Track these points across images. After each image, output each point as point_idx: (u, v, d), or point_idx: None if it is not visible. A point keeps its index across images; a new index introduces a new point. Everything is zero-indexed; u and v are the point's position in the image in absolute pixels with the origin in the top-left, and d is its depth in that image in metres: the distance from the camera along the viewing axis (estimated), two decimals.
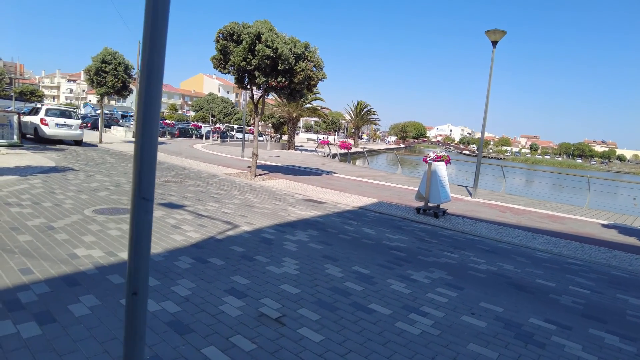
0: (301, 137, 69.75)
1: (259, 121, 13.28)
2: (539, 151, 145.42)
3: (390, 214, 8.97)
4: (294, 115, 38.93)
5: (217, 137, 31.93)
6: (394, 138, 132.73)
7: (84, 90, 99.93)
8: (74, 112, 19.87)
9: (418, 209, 9.56)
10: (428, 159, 17.71)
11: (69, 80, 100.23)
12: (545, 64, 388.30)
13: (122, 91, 20.24)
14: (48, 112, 17.61)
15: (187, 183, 10.37)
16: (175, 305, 3.51)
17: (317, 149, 34.32)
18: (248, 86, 13.13)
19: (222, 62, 12.34)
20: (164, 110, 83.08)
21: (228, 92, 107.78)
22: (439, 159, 17.44)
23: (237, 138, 38.48)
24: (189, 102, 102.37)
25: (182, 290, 3.82)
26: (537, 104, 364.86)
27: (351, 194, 11.20)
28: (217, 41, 12.07)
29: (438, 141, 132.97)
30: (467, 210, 10.53)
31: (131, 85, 20.80)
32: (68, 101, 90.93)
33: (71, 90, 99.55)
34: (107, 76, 19.38)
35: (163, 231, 5.71)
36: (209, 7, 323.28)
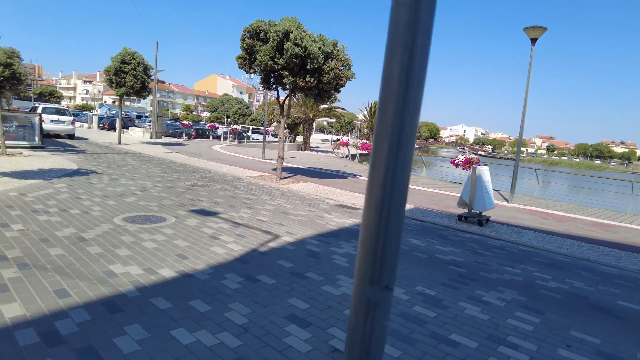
0: (314, 138, 69.21)
1: (284, 122, 12.81)
2: (555, 152, 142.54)
3: (432, 222, 8.41)
4: (311, 115, 38.49)
5: (234, 138, 31.60)
6: None
7: (99, 91, 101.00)
8: (67, 110, 22.75)
9: (460, 216, 8.97)
10: (457, 160, 17.15)
11: (85, 82, 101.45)
12: (561, 63, 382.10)
13: (141, 92, 19.99)
14: (45, 110, 19.90)
15: (214, 187, 9.94)
16: (235, 337, 3.02)
17: (335, 150, 33.77)
18: (273, 86, 12.69)
19: (247, 61, 11.91)
20: (179, 111, 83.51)
21: (241, 92, 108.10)
22: (468, 161, 16.85)
23: (252, 139, 38.16)
24: (203, 103, 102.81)
25: (237, 318, 3.33)
26: (553, 104, 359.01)
27: None
28: (243, 40, 11.65)
29: (452, 142, 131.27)
30: (508, 217, 9.90)
31: (150, 86, 20.55)
32: (84, 102, 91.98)
33: (87, 91, 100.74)
34: (126, 76, 19.16)
35: (202, 243, 5.25)
36: (223, 8, 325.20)
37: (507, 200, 12.72)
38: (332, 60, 11.44)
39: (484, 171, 8.94)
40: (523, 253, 6.64)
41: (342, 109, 46.07)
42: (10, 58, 11.90)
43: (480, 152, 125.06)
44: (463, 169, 17.01)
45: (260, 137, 39.53)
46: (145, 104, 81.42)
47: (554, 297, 4.68)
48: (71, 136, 21.33)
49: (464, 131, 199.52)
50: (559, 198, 15.93)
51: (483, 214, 9.10)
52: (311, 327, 3.31)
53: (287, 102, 12.76)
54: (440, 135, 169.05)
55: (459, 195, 12.19)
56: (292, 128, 48.45)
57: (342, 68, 11.87)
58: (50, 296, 3.36)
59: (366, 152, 22.20)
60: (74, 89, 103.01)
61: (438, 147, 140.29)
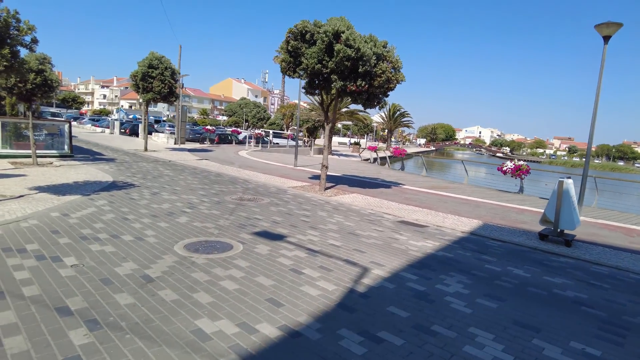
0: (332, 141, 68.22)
1: (329, 129, 11.94)
2: (577, 153, 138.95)
3: (514, 242, 7.42)
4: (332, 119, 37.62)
5: (259, 144, 30.88)
6: (423, 141, 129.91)
7: (116, 96, 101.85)
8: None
9: (542, 235, 7.95)
10: (505, 168, 16.08)
11: (102, 87, 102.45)
12: (580, 61, 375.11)
13: (168, 97, 19.36)
14: None
15: (263, 201, 9.11)
16: None
17: (361, 154, 32.82)
18: (316, 91, 11.85)
19: (291, 65, 11.08)
20: (195, 115, 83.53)
21: (256, 96, 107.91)
22: (517, 168, 15.77)
23: (273, 144, 37.38)
24: (218, 107, 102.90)
25: None
26: (571, 104, 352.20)
27: (445, 213, 9.69)
28: (287, 42, 10.82)
29: (470, 143, 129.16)
30: (589, 235, 8.83)
31: (177, 91, 19.94)
32: (102, 106, 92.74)
33: (104, 96, 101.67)
34: (153, 81, 18.54)
35: (287, 280, 4.38)
36: (237, 13, 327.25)
37: None
38: (383, 62, 10.54)
39: (571, 185, 7.87)
40: None
41: (364, 111, 45.13)
42: (42, 64, 11.29)
43: (498, 154, 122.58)
44: (512, 176, 16.04)
45: (281, 141, 38.70)
46: (163, 108, 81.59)
47: None
48: None
49: (480, 133, 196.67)
50: (619, 208, 14.73)
51: (566, 232, 8.06)
52: None
53: (331, 107, 11.91)
54: (456, 137, 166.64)
55: (521, 206, 11.17)
56: (312, 132, 47.73)
57: (392, 70, 10.96)
58: None
59: (399, 156, 21.28)
60: (92, 94, 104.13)
61: (454, 148, 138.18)
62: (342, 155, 38.30)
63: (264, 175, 13.95)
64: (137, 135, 31.66)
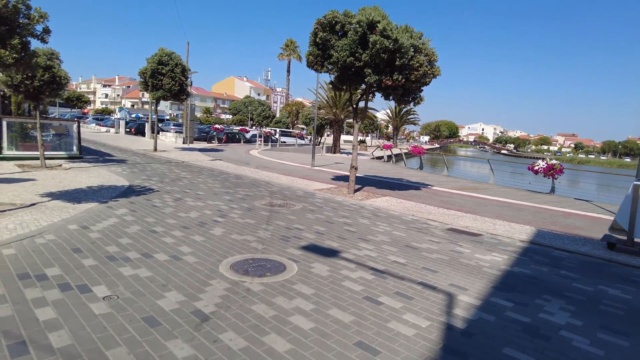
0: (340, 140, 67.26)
1: (358, 127, 11.13)
2: (583, 150, 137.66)
3: (580, 252, 6.61)
4: (342, 116, 36.86)
5: (268, 142, 30.04)
6: (427, 138, 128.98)
7: (118, 95, 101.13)
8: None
9: (610, 244, 7.12)
10: (536, 167, 15.24)
11: (104, 86, 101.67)
12: (582, 59, 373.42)
13: (179, 95, 18.56)
14: None
15: (295, 207, 8.31)
16: None
17: (374, 153, 32.00)
18: (343, 87, 11.01)
19: (319, 58, 10.26)
20: (199, 114, 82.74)
21: (259, 94, 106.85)
22: (550, 168, 14.93)
23: (282, 142, 36.52)
24: (221, 105, 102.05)
25: None
26: (573, 101, 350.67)
27: (491, 218, 8.88)
28: (315, 34, 9.99)
29: (475, 140, 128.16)
30: None
31: (189, 89, 19.13)
32: (104, 106, 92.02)
33: (106, 95, 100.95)
34: (163, 79, 17.72)
35: (367, 314, 3.58)
36: (238, 11, 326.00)
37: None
38: (420, 55, 9.72)
39: None
40: None
41: (374, 109, 44.29)
42: (50, 60, 10.50)
43: (503, 151, 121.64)
44: (544, 176, 15.20)
45: (288, 139, 37.73)
46: (165, 107, 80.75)
47: None
48: None
49: (482, 129, 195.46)
50: None
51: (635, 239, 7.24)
52: None
53: (360, 104, 11.09)
54: (459, 134, 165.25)
55: (563, 209, 10.43)
56: (318, 130, 46.81)
57: (427, 64, 10.13)
58: None
59: (418, 155, 20.46)
60: (94, 93, 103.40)
61: (458, 146, 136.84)
62: (350, 153, 37.50)
63: (285, 177, 13.14)
64: (143, 134, 30.87)
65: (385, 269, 4.86)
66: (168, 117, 60.69)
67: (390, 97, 10.52)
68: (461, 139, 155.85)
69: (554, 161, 14.89)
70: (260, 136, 32.95)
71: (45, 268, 4.06)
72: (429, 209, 9.53)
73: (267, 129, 32.15)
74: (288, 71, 62.58)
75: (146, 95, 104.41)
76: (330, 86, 11.16)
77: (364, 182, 13.74)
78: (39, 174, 10.01)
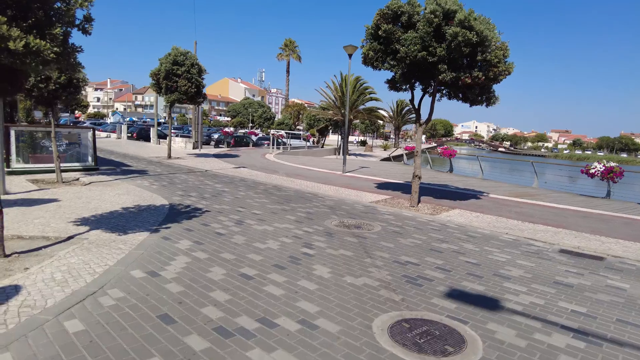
0: (333, 140, 65.70)
1: (422, 131, 9.87)
2: (581, 146, 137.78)
3: None
4: (351, 117, 35.65)
5: (279, 146, 28.63)
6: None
7: (110, 99, 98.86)
8: None
9: None
10: (592, 170, 14.10)
11: (95, 89, 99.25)
12: (575, 53, 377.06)
13: (195, 97, 17.14)
14: None
15: (373, 228, 7.02)
16: None
17: (391, 155, 30.69)
18: (403, 87, 9.72)
19: (380, 54, 8.97)
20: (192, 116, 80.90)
21: (254, 95, 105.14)
22: (609, 171, 13.79)
23: (290, 145, 35.04)
24: (216, 107, 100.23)
25: None
26: (565, 96, 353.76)
27: (591, 234, 7.69)
28: (377, 26, 8.71)
29: (472, 139, 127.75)
30: None
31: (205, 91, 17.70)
32: (96, 110, 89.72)
33: (98, 99, 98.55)
34: (179, 80, 16.29)
35: None
36: (231, 10, 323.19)
37: None
38: (499, 50, 8.47)
39: None
40: None
41: (383, 109, 43.05)
42: None
43: (500, 149, 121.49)
44: (602, 179, 14.07)
45: (295, 142, 36.07)
46: (161, 110, 78.84)
47: None
48: None
49: (476, 127, 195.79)
50: None
51: None
52: None
53: (420, 105, 9.81)
54: (453, 133, 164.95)
55: None
56: (322, 131, 45.49)
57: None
58: None
59: (448, 157, 19.28)
60: (85, 97, 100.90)
61: (454, 144, 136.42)
62: (360, 155, 36.23)
63: (325, 186, 11.82)
64: (146, 139, 29.31)
65: (579, 326, 3.60)
66: (162, 120, 58.88)
67: (459, 97, 9.29)
68: (457, 137, 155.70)
69: (612, 163, 13.78)
70: (267, 139, 31.56)
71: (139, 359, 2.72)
72: (513, 223, 8.30)
73: (275, 132, 30.69)
74: (287, 72, 61.11)
75: (139, 98, 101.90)
76: (387, 84, 9.85)
77: (409, 189, 12.45)
78: (59, 191, 8.59)
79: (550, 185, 17.30)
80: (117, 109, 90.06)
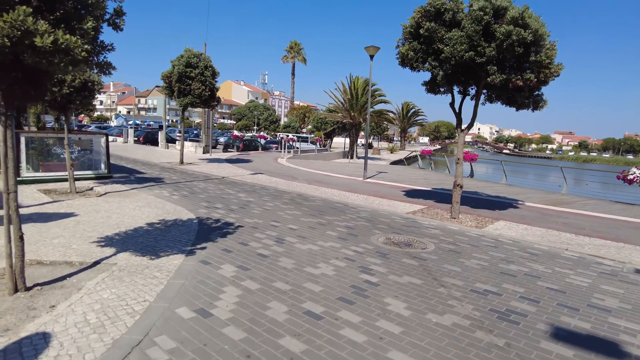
0: (338, 142, 64.86)
1: (464, 136, 9.20)
2: (587, 148, 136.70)
3: None
4: (360, 120, 35.03)
5: (290, 150, 27.97)
6: (426, 139, 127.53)
7: (113, 102, 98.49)
8: None
9: None
10: (631, 175, 13.41)
11: (98, 92, 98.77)
12: (579, 56, 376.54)
13: (209, 101, 16.50)
14: None
15: (426, 247, 6.34)
16: None
17: (405, 159, 29.96)
18: (442, 89, 9.05)
19: (420, 53, 8.31)
20: (197, 119, 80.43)
21: (257, 98, 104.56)
22: None
23: (300, 149, 34.38)
24: (219, 110, 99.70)
25: None
26: (568, 98, 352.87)
27: None
28: (418, 24, 8.07)
29: (476, 141, 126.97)
30: None
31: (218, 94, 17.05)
32: (99, 113, 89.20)
33: (101, 102, 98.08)
34: (192, 83, 15.65)
35: None
36: (231, 13, 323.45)
37: None
38: (549, 49, 7.81)
39: None
40: None
41: (392, 112, 42.27)
42: None
43: (505, 151, 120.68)
44: None
45: (303, 145, 35.37)
46: (162, 112, 78.31)
47: None
48: None
49: (479, 129, 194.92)
50: None
51: None
52: None
53: (461, 108, 9.13)
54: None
55: None
56: (329, 135, 44.83)
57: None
58: None
59: (470, 161, 18.59)
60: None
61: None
62: (369, 158, 35.49)
63: (353, 195, 11.15)
64: (154, 143, 28.68)
65: None
66: (167, 123, 58.25)
67: (504, 101, 8.62)
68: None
69: None
70: (275, 142, 30.91)
71: None
72: (568, 237, 7.63)
73: (291, 136, 30.02)
74: (293, 74, 60.56)
75: (142, 101, 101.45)
76: (424, 87, 9.20)
77: (440, 197, 11.80)
78: (75, 204, 7.93)
79: (579, 191, 16.60)
80: (120, 112, 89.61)
